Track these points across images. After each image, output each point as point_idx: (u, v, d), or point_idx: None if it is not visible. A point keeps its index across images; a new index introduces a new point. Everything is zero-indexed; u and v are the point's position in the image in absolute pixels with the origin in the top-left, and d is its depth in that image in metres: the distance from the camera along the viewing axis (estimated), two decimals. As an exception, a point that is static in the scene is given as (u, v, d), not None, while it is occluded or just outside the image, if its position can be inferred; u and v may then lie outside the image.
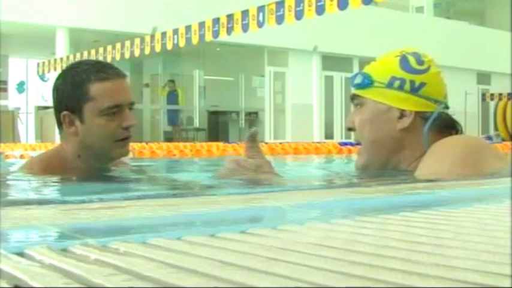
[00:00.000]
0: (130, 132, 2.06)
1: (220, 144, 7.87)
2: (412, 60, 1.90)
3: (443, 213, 0.88)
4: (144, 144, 7.38)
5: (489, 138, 14.02)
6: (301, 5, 7.47)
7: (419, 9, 21.36)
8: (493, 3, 22.94)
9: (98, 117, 1.99)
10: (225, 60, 17.88)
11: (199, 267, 0.52)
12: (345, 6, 7.08)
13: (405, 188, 1.61)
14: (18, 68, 17.84)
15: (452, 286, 0.46)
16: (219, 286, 0.46)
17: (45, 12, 13.27)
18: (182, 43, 9.53)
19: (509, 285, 0.46)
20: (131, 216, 0.95)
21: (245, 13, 8.36)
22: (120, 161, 2.27)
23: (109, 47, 11.19)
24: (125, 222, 0.85)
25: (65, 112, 2.02)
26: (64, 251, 0.61)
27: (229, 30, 8.63)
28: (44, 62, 13.61)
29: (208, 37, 9.01)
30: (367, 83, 1.92)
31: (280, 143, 8.56)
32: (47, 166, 2.07)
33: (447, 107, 1.94)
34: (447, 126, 1.91)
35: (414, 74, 1.88)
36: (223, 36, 8.91)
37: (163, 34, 10.01)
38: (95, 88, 1.99)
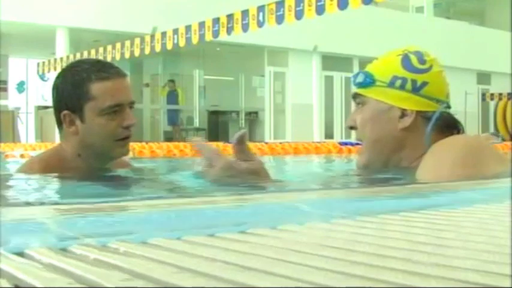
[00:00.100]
0: (131, 131, 2.06)
1: (221, 144, 7.87)
2: (414, 59, 1.90)
3: (444, 213, 0.88)
4: (144, 144, 7.39)
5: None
6: (301, 4, 7.48)
7: (419, 9, 21.37)
8: (493, 3, 22.94)
9: (98, 117, 1.99)
10: (225, 60, 17.89)
11: (199, 267, 0.52)
12: (345, 6, 7.08)
13: (405, 187, 1.61)
14: (18, 67, 17.85)
15: (452, 286, 0.46)
16: (219, 286, 0.46)
17: (45, 12, 13.27)
18: (182, 43, 9.53)
19: (509, 285, 0.46)
20: (131, 216, 0.95)
21: (245, 13, 8.36)
22: (122, 161, 2.27)
23: (109, 47, 11.20)
24: (125, 222, 0.84)
25: (65, 111, 2.02)
26: (64, 250, 0.61)
27: (229, 30, 8.64)
28: (44, 62, 13.62)
29: (208, 37, 9.01)
30: (369, 82, 1.91)
31: (280, 143, 8.56)
32: (47, 166, 2.07)
33: (449, 107, 1.94)
34: (449, 126, 1.90)
35: (416, 73, 1.88)
36: (223, 36, 8.92)
37: (163, 34, 10.01)
38: (96, 87, 1.99)
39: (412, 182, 1.77)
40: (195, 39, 9.29)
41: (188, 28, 9.41)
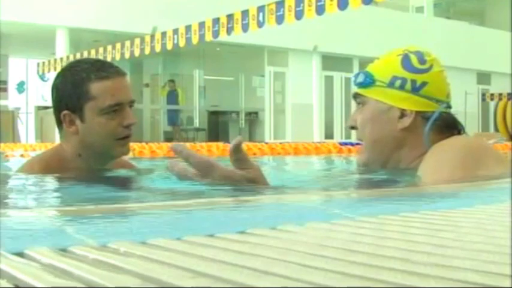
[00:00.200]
0: (131, 130, 2.06)
1: (220, 144, 7.87)
2: (414, 59, 1.89)
3: (443, 213, 0.88)
4: (144, 144, 7.38)
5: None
6: (301, 5, 7.47)
7: (419, 9, 21.37)
8: (493, 3, 22.95)
9: (98, 116, 1.99)
10: (225, 60, 17.89)
11: (199, 267, 0.52)
12: (345, 6, 7.08)
13: (405, 188, 1.61)
14: (18, 68, 17.85)
15: (451, 286, 0.46)
16: (218, 286, 0.46)
17: (45, 12, 13.27)
18: (182, 43, 9.53)
19: (509, 285, 0.46)
20: (131, 216, 0.95)
21: (245, 13, 8.36)
22: (124, 161, 2.26)
23: (109, 47, 11.19)
24: (125, 222, 0.85)
25: (65, 111, 2.01)
26: (64, 251, 0.61)
27: (229, 30, 8.63)
28: (44, 62, 13.61)
29: (208, 37, 9.01)
30: (369, 82, 1.91)
31: (281, 143, 8.56)
32: (47, 166, 2.07)
33: (449, 107, 1.93)
34: (448, 126, 1.90)
35: (415, 73, 1.88)
36: (223, 36, 8.91)
37: (163, 34, 10.01)
38: (96, 87, 1.98)
39: (411, 183, 1.77)
40: (195, 40, 9.29)
41: (188, 28, 9.41)
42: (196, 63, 18.24)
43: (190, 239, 0.67)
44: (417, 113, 1.88)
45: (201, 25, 9.12)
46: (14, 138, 13.68)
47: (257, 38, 13.24)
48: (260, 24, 8.16)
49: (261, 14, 8.09)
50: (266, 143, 8.18)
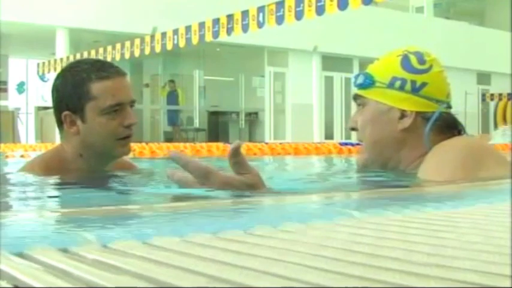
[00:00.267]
0: (132, 130, 2.06)
1: (220, 144, 7.87)
2: (413, 60, 1.89)
3: (443, 213, 0.88)
4: (144, 144, 7.39)
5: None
6: (301, 5, 7.48)
7: (419, 10, 21.37)
8: (493, 3, 22.95)
9: (99, 116, 1.99)
10: (225, 60, 17.89)
11: (200, 268, 0.52)
12: (345, 7, 7.08)
13: (404, 188, 1.61)
14: (18, 68, 17.85)
15: (451, 286, 0.46)
16: (218, 286, 0.46)
17: (45, 12, 13.27)
18: (182, 43, 9.54)
19: (509, 285, 0.46)
20: (131, 217, 0.95)
21: (245, 13, 8.37)
22: (125, 162, 2.26)
23: (109, 48, 11.20)
24: (125, 223, 0.85)
25: (66, 112, 2.01)
26: (64, 251, 0.61)
27: (229, 31, 8.64)
28: (44, 63, 13.62)
29: (208, 37, 9.02)
30: (369, 83, 1.91)
31: (281, 143, 8.56)
32: (48, 166, 2.07)
33: (450, 107, 1.93)
34: (449, 126, 1.90)
35: (415, 73, 1.88)
36: (223, 37, 8.92)
37: (163, 34, 10.02)
38: (96, 87, 1.98)
39: (412, 183, 1.77)
40: (195, 40, 9.29)
41: (188, 28, 9.42)
42: (196, 64, 18.24)
43: (190, 239, 0.67)
44: (417, 113, 1.87)
45: (201, 25, 9.13)
46: (14, 138, 13.69)
47: (257, 38, 13.24)
48: (260, 25, 8.17)
49: (261, 15, 8.10)
50: (266, 143, 8.18)
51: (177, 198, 1.54)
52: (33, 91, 18.27)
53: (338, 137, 17.66)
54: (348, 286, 0.46)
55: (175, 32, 9.67)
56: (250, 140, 16.05)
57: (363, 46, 16.65)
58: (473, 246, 0.61)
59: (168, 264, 0.54)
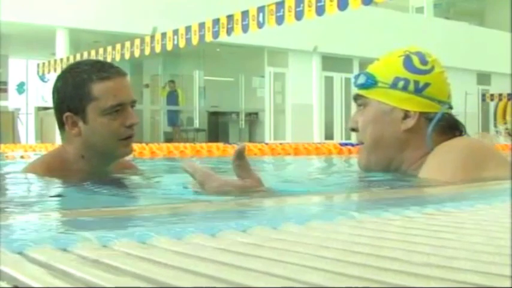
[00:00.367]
0: (134, 130, 2.06)
1: (221, 144, 7.87)
2: (415, 60, 1.89)
3: (443, 213, 0.88)
4: (144, 145, 7.39)
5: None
6: (301, 5, 7.48)
7: (419, 10, 21.37)
8: (493, 3, 22.95)
9: (101, 117, 1.99)
10: (225, 60, 17.89)
11: (200, 268, 0.52)
12: (345, 7, 7.08)
13: (405, 189, 1.61)
14: (18, 68, 17.85)
15: (451, 287, 0.46)
16: (218, 287, 0.46)
17: (45, 12, 13.27)
18: (182, 44, 9.54)
19: (509, 285, 0.46)
20: (131, 217, 0.95)
21: (245, 14, 8.37)
22: (126, 162, 2.26)
23: (109, 48, 11.20)
24: (125, 223, 0.85)
25: (67, 113, 2.01)
26: (64, 251, 0.61)
27: (229, 31, 8.64)
28: (44, 63, 13.62)
29: (208, 38, 9.02)
30: (371, 83, 1.90)
31: (281, 144, 8.56)
32: (49, 168, 2.06)
33: (451, 107, 1.93)
34: (450, 127, 1.90)
35: (418, 74, 1.87)
36: (223, 37, 8.92)
37: (163, 35, 10.02)
38: (97, 88, 1.98)
39: (412, 184, 1.77)
40: (195, 40, 9.29)
41: (188, 29, 9.42)
42: (196, 64, 18.24)
43: (190, 239, 0.67)
44: (420, 114, 1.87)
45: (201, 26, 9.13)
46: (14, 139, 13.69)
47: (257, 38, 13.24)
48: (260, 25, 8.17)
49: (261, 15, 8.10)
50: (266, 144, 8.18)
51: (177, 199, 1.54)
52: (33, 91, 18.26)
53: (338, 137, 17.66)
54: (349, 286, 0.46)
55: (175, 32, 9.67)
56: (250, 140, 16.05)
57: (363, 46, 16.65)
58: (473, 246, 0.61)
59: (167, 264, 0.54)
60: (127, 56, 10.84)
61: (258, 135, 17.62)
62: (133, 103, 2.07)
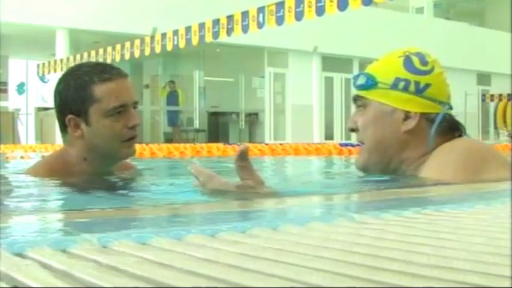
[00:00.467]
0: (136, 131, 2.06)
1: (221, 145, 7.87)
2: (416, 61, 1.89)
3: (443, 214, 0.88)
4: (144, 145, 7.39)
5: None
6: (301, 6, 7.48)
7: (419, 10, 21.36)
8: (493, 3, 22.95)
9: (103, 119, 1.99)
10: (225, 61, 17.89)
11: (200, 268, 0.52)
12: (345, 7, 7.08)
13: (405, 189, 1.61)
14: (18, 69, 17.85)
15: (451, 287, 0.46)
16: (218, 287, 0.46)
17: (45, 13, 13.27)
18: (182, 44, 9.54)
19: (509, 286, 0.46)
20: (131, 218, 0.95)
21: (245, 14, 8.37)
22: (125, 162, 2.26)
23: (109, 48, 11.20)
24: (125, 224, 0.85)
25: (69, 116, 2.01)
26: (64, 252, 0.61)
27: (229, 31, 8.64)
28: (44, 63, 13.62)
29: (208, 38, 9.02)
30: (371, 84, 1.90)
31: (281, 144, 8.56)
32: (52, 169, 2.06)
33: (451, 108, 1.93)
34: (451, 128, 1.89)
35: (418, 74, 1.87)
36: (223, 37, 8.92)
37: (163, 35, 10.02)
38: (99, 89, 1.98)
39: (412, 185, 1.77)
40: (195, 41, 9.29)
41: (188, 29, 9.42)
42: (196, 64, 18.24)
43: (190, 240, 0.67)
44: (421, 114, 1.87)
45: (201, 26, 9.13)
46: (14, 139, 13.69)
47: (257, 39, 13.23)
48: (260, 25, 8.17)
49: (261, 15, 8.10)
50: (266, 144, 8.18)
51: (178, 199, 1.54)
52: (33, 92, 18.26)
53: (338, 137, 17.66)
54: (348, 287, 0.46)
55: (175, 32, 9.67)
56: (250, 140, 16.05)
57: (363, 47, 16.64)
58: (473, 247, 0.61)
59: (167, 265, 0.54)
60: (127, 56, 10.84)
61: (258, 136, 17.62)
62: (135, 104, 2.07)
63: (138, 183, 2.22)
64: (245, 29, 8.40)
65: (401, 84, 1.86)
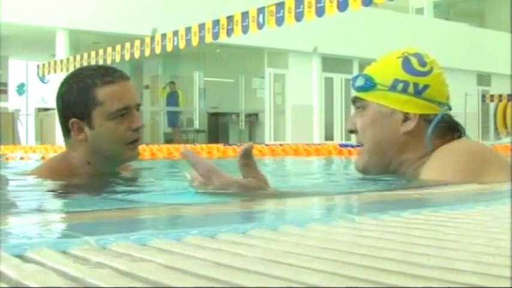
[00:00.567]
0: (140, 133, 2.06)
1: (221, 146, 7.87)
2: (414, 62, 1.88)
3: (444, 214, 0.88)
4: (144, 146, 7.39)
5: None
6: (301, 6, 7.48)
7: (419, 11, 21.36)
8: (493, 4, 22.95)
9: (107, 121, 1.99)
10: (225, 61, 17.89)
11: (199, 269, 0.52)
12: (345, 8, 7.09)
13: (405, 190, 1.61)
14: (18, 69, 17.85)
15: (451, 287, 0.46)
16: (218, 287, 0.46)
17: (45, 13, 13.27)
18: (182, 45, 9.54)
19: (509, 286, 0.46)
20: (131, 219, 0.95)
21: (245, 15, 8.37)
22: (127, 164, 2.26)
23: (109, 49, 11.20)
24: (126, 225, 0.85)
25: (73, 119, 2.00)
26: (64, 253, 0.61)
27: (229, 32, 8.64)
28: (44, 64, 13.62)
29: (208, 39, 9.02)
30: (370, 85, 1.90)
31: (281, 145, 8.56)
32: (54, 171, 2.06)
33: (450, 109, 1.93)
34: (450, 129, 1.89)
35: (417, 76, 1.86)
36: (223, 38, 8.92)
37: (163, 36, 10.02)
38: (102, 92, 1.98)
39: (412, 185, 1.77)
40: (195, 41, 9.29)
41: (188, 30, 9.42)
42: (196, 65, 18.25)
43: (190, 240, 0.67)
44: (420, 116, 1.86)
45: (201, 27, 9.13)
46: (14, 140, 13.70)
47: (257, 39, 13.22)
48: (260, 26, 8.17)
49: (261, 16, 8.10)
50: (266, 145, 8.18)
51: (178, 200, 1.54)
52: (33, 92, 18.27)
53: (338, 138, 17.65)
54: (348, 287, 0.46)
55: (175, 33, 9.67)
56: (250, 141, 16.03)
57: (363, 47, 16.64)
58: (473, 248, 0.61)
59: (167, 266, 0.54)
60: (127, 57, 10.84)
61: (258, 136, 17.62)
62: (138, 106, 2.07)
63: (138, 184, 2.22)
64: (245, 29, 8.40)
65: (400, 86, 1.86)
